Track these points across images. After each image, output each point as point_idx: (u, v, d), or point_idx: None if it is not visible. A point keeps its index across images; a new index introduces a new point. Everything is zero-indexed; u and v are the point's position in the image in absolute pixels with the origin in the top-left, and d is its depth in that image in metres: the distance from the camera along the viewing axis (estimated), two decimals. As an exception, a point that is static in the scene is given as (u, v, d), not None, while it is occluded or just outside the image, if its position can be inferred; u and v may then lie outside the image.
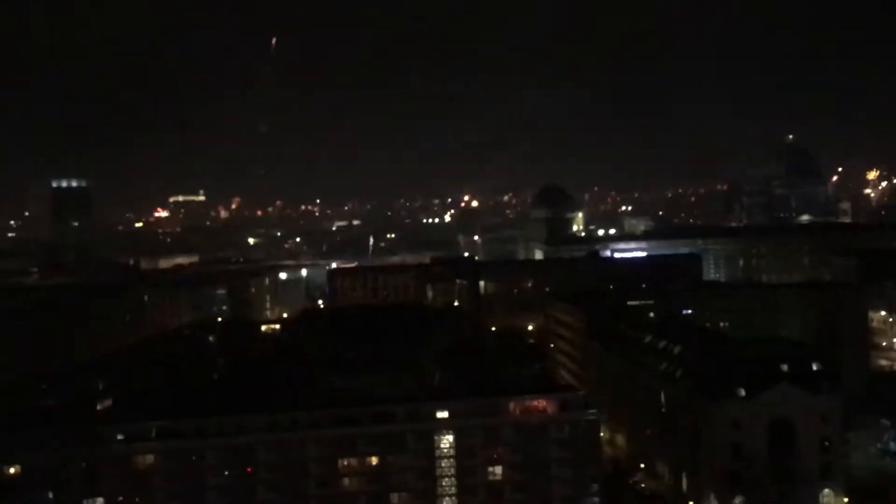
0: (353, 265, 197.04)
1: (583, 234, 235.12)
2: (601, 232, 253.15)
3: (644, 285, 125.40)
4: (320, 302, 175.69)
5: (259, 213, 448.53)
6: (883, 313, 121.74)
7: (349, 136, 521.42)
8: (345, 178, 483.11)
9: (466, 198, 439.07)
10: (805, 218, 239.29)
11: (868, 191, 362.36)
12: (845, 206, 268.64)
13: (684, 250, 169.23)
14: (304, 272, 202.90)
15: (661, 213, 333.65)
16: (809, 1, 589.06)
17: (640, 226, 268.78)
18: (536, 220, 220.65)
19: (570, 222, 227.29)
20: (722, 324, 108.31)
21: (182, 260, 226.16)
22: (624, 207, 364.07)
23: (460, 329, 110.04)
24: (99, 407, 71.85)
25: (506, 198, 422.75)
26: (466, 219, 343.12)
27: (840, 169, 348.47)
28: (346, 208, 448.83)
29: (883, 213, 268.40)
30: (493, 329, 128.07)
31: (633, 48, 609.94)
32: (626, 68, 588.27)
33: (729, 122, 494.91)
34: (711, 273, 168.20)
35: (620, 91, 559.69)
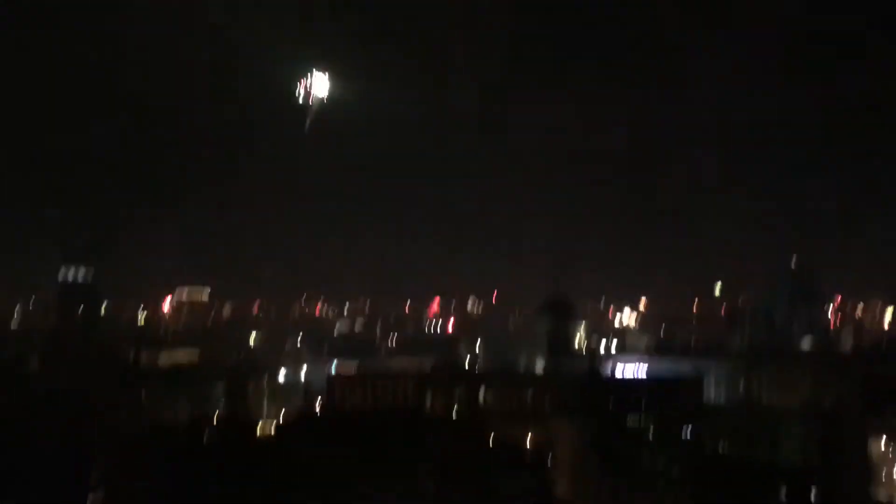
0: (352, 367, 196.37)
1: (584, 346, 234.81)
2: (603, 345, 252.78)
3: (644, 402, 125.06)
4: (318, 404, 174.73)
5: (262, 310, 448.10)
6: (884, 445, 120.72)
7: (355, 237, 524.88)
8: (349, 279, 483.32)
9: (470, 304, 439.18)
10: (807, 342, 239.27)
11: (871, 317, 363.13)
12: (848, 331, 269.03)
13: (686, 369, 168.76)
14: (303, 372, 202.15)
15: (662, 328, 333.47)
16: (820, 125, 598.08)
17: (643, 342, 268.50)
18: (538, 331, 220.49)
19: (572, 334, 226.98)
20: (721, 446, 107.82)
21: (182, 355, 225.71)
22: (626, 322, 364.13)
23: (458, 438, 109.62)
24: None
25: (507, 306, 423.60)
26: (469, 325, 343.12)
27: (839, 298, 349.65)
28: (347, 309, 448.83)
29: (886, 340, 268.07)
30: (492, 439, 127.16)
31: (643, 167, 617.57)
32: (633, 186, 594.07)
33: (733, 242, 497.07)
34: (712, 394, 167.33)
35: (626, 207, 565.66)
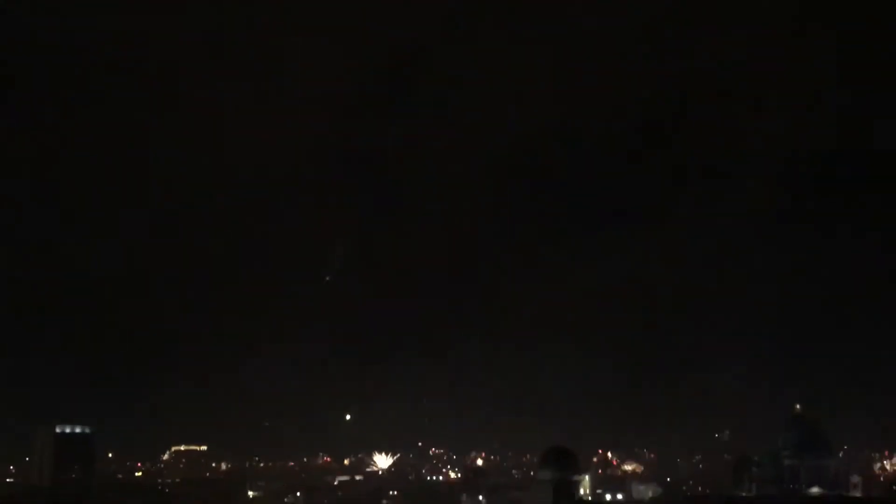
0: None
1: (590, 497, 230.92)
2: (608, 497, 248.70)
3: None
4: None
5: (261, 465, 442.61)
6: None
7: (354, 390, 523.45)
8: (349, 433, 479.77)
9: (472, 456, 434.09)
10: (815, 490, 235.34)
11: (880, 466, 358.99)
12: (856, 479, 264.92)
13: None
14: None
15: (668, 479, 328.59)
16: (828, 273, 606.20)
17: (649, 492, 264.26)
18: (542, 482, 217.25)
19: (576, 485, 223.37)
20: None
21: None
22: (632, 470, 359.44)
23: None
24: None
25: (511, 455, 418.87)
26: (471, 478, 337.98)
27: (846, 447, 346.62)
28: (347, 463, 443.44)
29: (894, 488, 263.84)
30: None
31: (648, 318, 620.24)
32: (638, 337, 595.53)
33: (739, 391, 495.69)
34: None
35: (632, 358, 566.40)
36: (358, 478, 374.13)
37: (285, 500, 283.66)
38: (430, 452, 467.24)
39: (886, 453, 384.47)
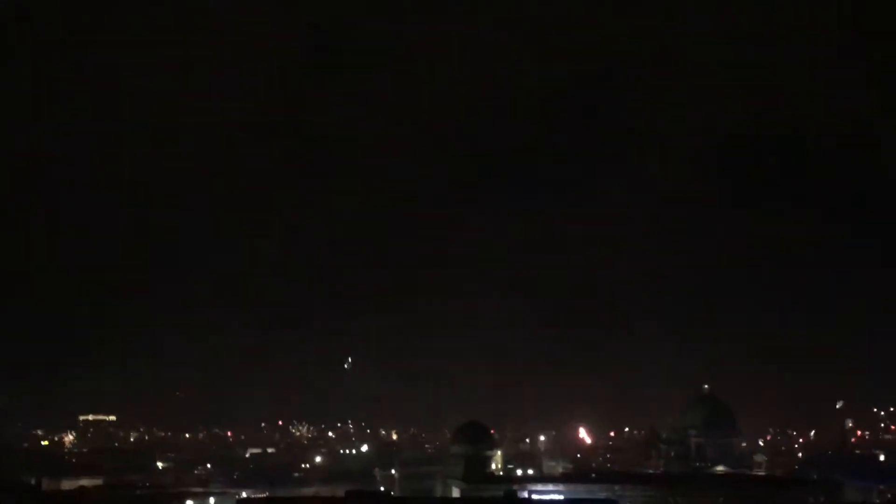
0: (263, 496, 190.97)
1: (501, 472, 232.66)
2: (519, 472, 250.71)
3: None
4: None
5: (170, 435, 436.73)
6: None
7: (268, 364, 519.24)
8: (260, 406, 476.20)
9: (386, 431, 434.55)
10: (720, 468, 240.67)
11: (784, 444, 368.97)
12: (760, 458, 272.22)
13: (601, 495, 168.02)
14: (212, 500, 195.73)
15: (578, 455, 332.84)
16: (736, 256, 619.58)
17: (559, 467, 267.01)
18: (455, 457, 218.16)
19: (488, 460, 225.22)
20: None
21: (86, 482, 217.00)
22: (544, 448, 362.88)
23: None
24: None
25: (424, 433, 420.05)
26: (385, 452, 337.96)
27: (751, 426, 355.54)
28: (261, 431, 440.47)
29: (797, 467, 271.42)
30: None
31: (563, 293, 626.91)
32: (555, 316, 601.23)
33: (650, 370, 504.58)
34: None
35: (545, 335, 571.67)
36: (270, 450, 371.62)
37: (195, 471, 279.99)
38: (345, 426, 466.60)
39: (795, 433, 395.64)
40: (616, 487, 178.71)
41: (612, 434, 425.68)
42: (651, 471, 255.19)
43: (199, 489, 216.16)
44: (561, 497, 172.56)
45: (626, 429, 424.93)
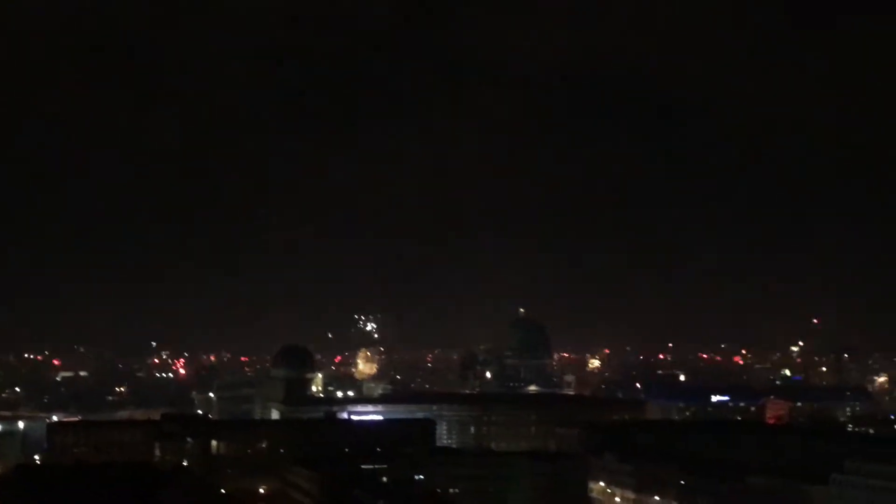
0: (76, 419, 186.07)
1: (321, 395, 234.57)
2: (340, 394, 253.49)
3: (379, 449, 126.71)
4: (37, 458, 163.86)
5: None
6: (602, 484, 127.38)
7: (78, 280, 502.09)
8: (75, 327, 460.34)
9: (206, 354, 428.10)
10: (533, 388, 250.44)
11: (592, 365, 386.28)
12: (570, 378, 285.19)
13: (420, 415, 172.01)
14: (21, 425, 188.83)
15: (398, 377, 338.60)
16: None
17: (378, 389, 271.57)
18: (275, 380, 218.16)
19: (309, 383, 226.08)
20: (453, 490, 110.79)
21: None
22: (364, 370, 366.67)
23: (188, 491, 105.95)
24: None
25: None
26: (203, 375, 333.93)
27: (563, 348, 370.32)
28: (74, 353, 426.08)
29: (604, 387, 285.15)
30: (224, 491, 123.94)
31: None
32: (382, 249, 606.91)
33: (467, 292, 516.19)
34: (445, 439, 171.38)
35: (375, 264, 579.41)
36: (83, 373, 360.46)
37: (2, 394, 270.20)
38: (162, 353, 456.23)
39: (606, 352, 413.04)
40: (434, 407, 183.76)
41: (429, 356, 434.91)
42: (468, 391, 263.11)
43: (8, 413, 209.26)
44: (380, 417, 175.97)
45: (438, 350, 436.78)
